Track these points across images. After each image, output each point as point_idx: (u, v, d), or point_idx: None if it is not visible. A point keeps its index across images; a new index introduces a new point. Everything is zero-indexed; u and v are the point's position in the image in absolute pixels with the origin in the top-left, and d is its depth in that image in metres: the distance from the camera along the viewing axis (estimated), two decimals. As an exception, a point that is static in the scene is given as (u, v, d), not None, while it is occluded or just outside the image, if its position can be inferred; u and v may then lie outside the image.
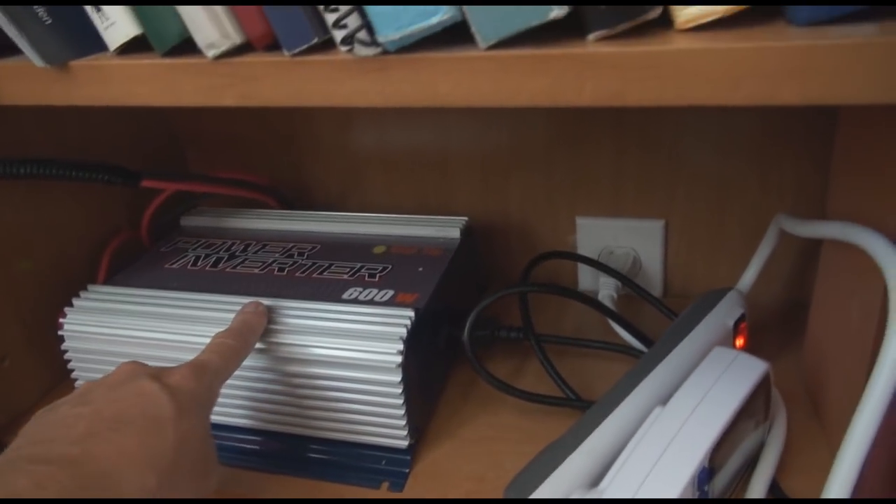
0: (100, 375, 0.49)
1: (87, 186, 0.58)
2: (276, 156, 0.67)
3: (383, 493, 0.44)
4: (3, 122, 0.50)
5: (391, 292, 0.48)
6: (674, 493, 0.33)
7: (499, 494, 0.43)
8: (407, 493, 0.44)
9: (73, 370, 0.50)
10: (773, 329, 0.54)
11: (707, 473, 0.35)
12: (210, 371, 0.39)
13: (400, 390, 0.43)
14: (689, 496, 0.34)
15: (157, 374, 0.36)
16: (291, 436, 0.47)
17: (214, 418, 0.48)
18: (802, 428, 0.44)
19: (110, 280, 0.53)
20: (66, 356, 0.50)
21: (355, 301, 0.47)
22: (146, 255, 0.57)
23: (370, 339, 0.43)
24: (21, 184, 0.52)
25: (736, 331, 0.46)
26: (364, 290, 0.49)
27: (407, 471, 0.45)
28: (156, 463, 0.32)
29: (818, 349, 0.45)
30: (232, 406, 0.47)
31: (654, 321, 0.55)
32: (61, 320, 0.49)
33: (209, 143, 0.69)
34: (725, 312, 0.45)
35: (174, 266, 0.55)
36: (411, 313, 0.45)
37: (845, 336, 0.40)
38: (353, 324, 0.45)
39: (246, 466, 0.47)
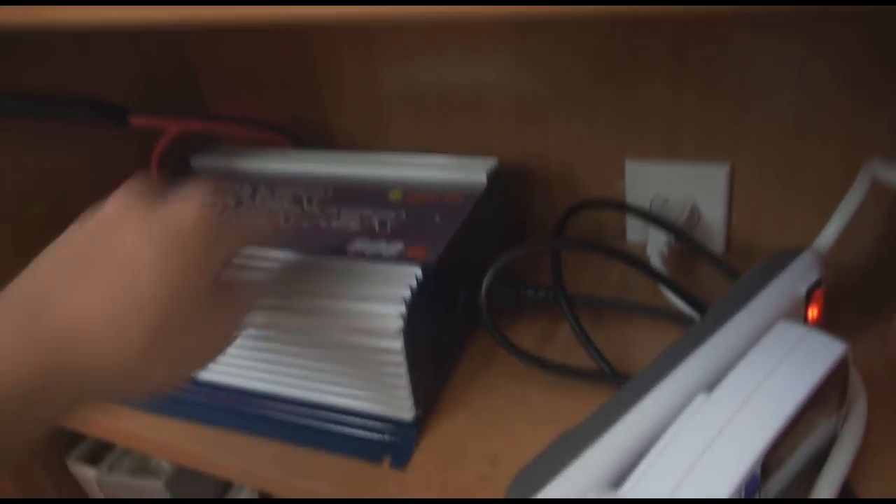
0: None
1: (95, 128, 0.54)
2: (297, 95, 0.62)
3: (384, 469, 0.39)
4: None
5: (400, 245, 0.42)
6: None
7: (511, 479, 0.37)
8: (410, 471, 0.39)
9: (69, 321, 0.47)
10: (856, 295, 0.46)
11: (757, 482, 0.28)
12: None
13: (402, 358, 0.38)
14: (732, 508, 0.27)
15: (151, 211, 0.31)
16: (287, 399, 0.43)
17: (212, 377, 0.44)
18: (887, 420, 0.37)
19: (110, 225, 0.50)
20: (61, 306, 0.47)
21: (360, 256, 0.42)
22: (152, 198, 0.53)
23: (370, 300, 0.38)
24: (16, 125, 0.49)
25: (809, 300, 0.38)
26: (372, 242, 0.43)
27: (412, 445, 0.40)
28: (133, 319, 0.28)
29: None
30: (231, 365, 0.43)
31: (712, 283, 0.48)
32: (54, 268, 0.46)
33: (227, 80, 0.64)
34: (797, 277, 0.38)
35: (177, 211, 0.50)
36: (418, 271, 0.39)
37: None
38: (354, 282, 0.39)
39: (235, 429, 0.43)
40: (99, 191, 0.54)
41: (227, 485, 0.54)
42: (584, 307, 0.45)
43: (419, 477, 0.38)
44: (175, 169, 0.57)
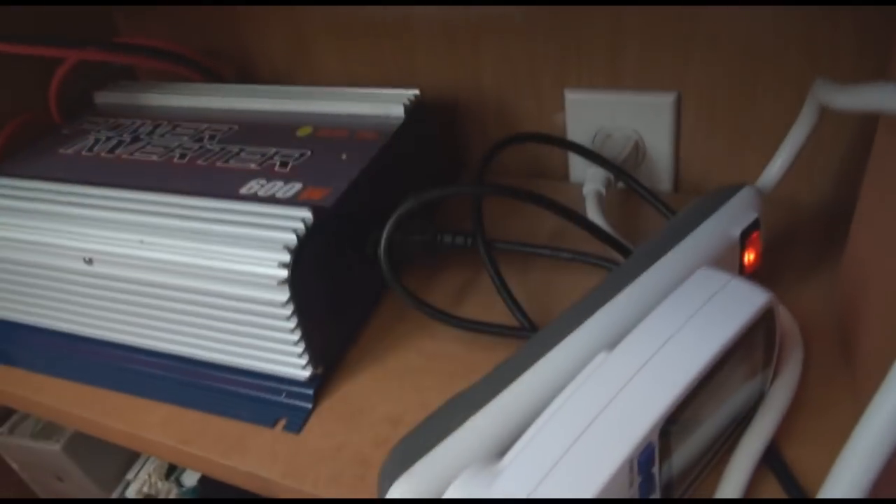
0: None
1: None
2: (215, 23, 0.56)
3: (276, 434, 0.36)
4: None
5: (298, 186, 0.38)
6: (597, 482, 0.23)
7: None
8: (304, 436, 0.35)
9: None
10: (813, 240, 0.41)
11: (652, 451, 0.24)
12: None
13: (289, 311, 0.34)
14: (624, 483, 0.24)
15: None
16: (178, 357, 0.39)
17: (86, 331, 0.41)
18: (828, 377, 0.33)
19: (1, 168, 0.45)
20: (-62, 258, 0.43)
21: (252, 198, 0.37)
22: (47, 137, 0.48)
23: (252, 247, 0.34)
24: None
25: (745, 243, 0.34)
26: (268, 182, 0.39)
27: (308, 406, 0.36)
28: None
29: (856, 273, 0.33)
30: (115, 321, 0.39)
31: (658, 225, 0.44)
32: (-75, 216, 0.41)
33: (143, 9, 0.58)
34: (731, 217, 0.33)
35: (68, 151, 0.46)
36: (307, 214, 0.35)
37: (891, 256, 0.28)
38: (237, 227, 0.35)
39: (124, 390, 0.39)
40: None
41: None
42: (507, 252, 0.41)
43: (314, 441, 0.35)
44: (77, 104, 0.52)
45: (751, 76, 0.42)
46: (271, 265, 0.33)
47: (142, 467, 0.47)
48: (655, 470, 0.25)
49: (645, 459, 0.24)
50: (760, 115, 0.43)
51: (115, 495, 0.47)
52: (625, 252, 0.37)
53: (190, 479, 0.45)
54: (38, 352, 0.43)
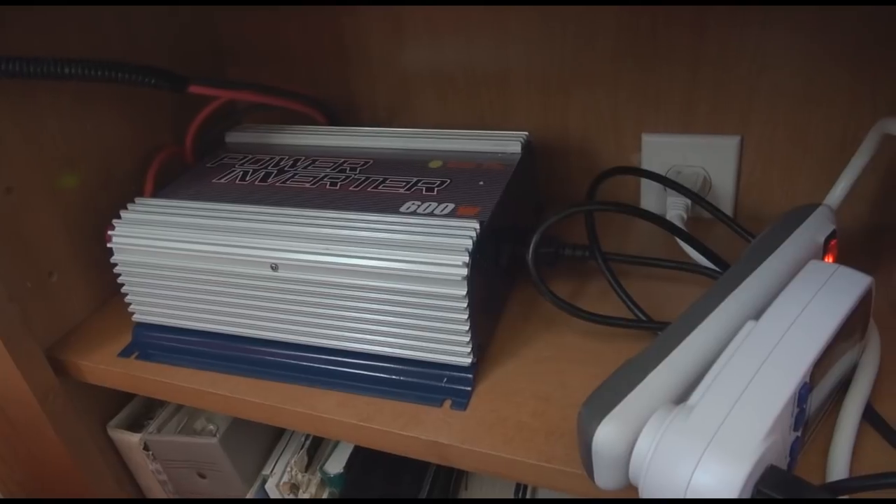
0: (150, 290, 0.48)
1: (133, 99, 0.56)
2: (321, 70, 0.64)
3: (445, 411, 0.42)
4: (41, 25, 0.48)
5: (451, 205, 0.45)
6: (774, 408, 0.30)
7: (567, 413, 0.41)
8: (470, 412, 0.42)
9: (122, 284, 0.49)
10: (855, 253, 0.51)
11: (808, 389, 0.32)
12: None
13: (465, 305, 0.41)
14: (788, 413, 0.31)
15: None
16: (348, 352, 0.45)
17: (269, 335, 0.46)
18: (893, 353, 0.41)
19: (157, 194, 0.52)
20: (116, 270, 0.48)
21: (414, 214, 0.45)
22: (191, 170, 0.55)
23: (434, 250, 0.41)
24: (67, 92, 0.50)
25: (826, 248, 0.42)
26: (422, 203, 0.46)
27: (470, 389, 0.43)
28: None
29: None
30: (289, 322, 0.46)
31: (724, 245, 0.52)
32: (110, 233, 0.47)
33: (252, 55, 0.66)
34: (815, 228, 0.42)
35: (222, 181, 0.52)
36: (476, 225, 0.42)
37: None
38: (415, 235, 0.42)
39: (302, 383, 0.45)
40: (135, 160, 0.56)
41: (275, 441, 0.55)
42: (614, 262, 0.49)
43: (479, 415, 0.41)
44: (209, 143, 0.59)
45: (804, 119, 0.51)
46: (456, 265, 0.40)
47: (276, 463, 0.52)
48: (807, 405, 0.32)
49: (803, 394, 0.32)
50: (810, 153, 0.52)
51: (252, 490, 0.52)
52: (718, 262, 0.46)
53: (334, 467, 0.50)
54: (212, 353, 0.48)
